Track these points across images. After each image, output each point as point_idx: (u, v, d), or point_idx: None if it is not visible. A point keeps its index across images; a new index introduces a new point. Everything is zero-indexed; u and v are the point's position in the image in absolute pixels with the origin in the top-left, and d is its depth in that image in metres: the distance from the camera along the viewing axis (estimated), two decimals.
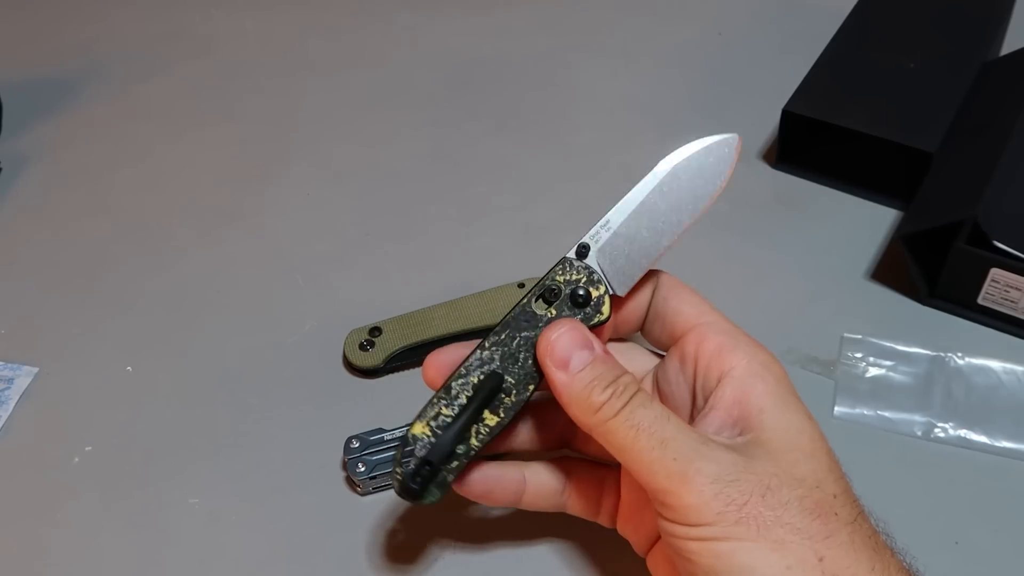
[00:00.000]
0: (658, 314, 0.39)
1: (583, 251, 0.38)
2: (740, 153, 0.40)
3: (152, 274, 0.61)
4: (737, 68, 0.75)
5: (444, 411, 0.37)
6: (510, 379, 0.37)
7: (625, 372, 0.35)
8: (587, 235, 0.39)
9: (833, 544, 0.31)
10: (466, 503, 0.47)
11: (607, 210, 0.39)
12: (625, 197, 0.39)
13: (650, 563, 0.39)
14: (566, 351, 0.35)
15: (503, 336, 0.37)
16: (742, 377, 0.35)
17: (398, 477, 0.37)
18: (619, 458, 0.34)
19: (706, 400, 0.36)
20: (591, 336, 0.36)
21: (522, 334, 0.37)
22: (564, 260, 0.38)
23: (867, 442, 0.49)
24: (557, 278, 0.38)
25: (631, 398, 0.33)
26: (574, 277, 0.38)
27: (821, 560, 0.30)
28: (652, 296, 0.40)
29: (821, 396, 0.51)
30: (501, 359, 0.37)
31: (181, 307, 0.59)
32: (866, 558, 0.31)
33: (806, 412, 0.35)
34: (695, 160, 0.39)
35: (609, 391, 0.34)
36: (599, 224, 0.39)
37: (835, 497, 0.32)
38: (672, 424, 0.33)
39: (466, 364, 0.37)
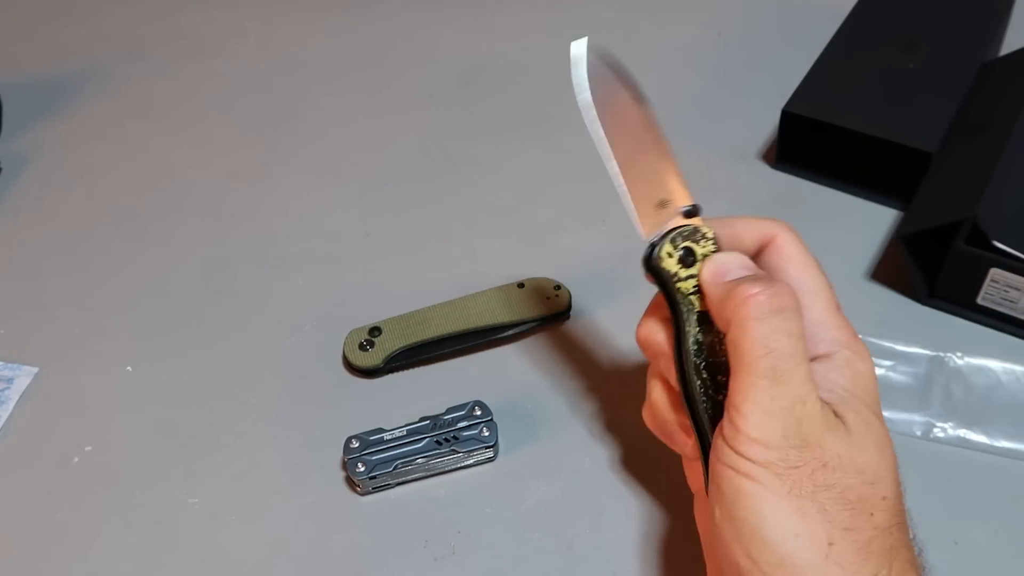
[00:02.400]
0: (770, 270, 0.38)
1: (693, 211, 0.38)
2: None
3: (152, 274, 0.61)
4: (736, 68, 0.75)
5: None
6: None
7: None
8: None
9: (849, 537, 0.31)
10: (468, 504, 0.47)
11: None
12: (604, 155, 0.38)
13: (696, 503, 0.39)
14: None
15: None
16: (848, 359, 0.35)
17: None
18: (734, 359, 0.33)
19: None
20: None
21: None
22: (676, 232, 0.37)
23: None
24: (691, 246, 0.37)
25: (781, 315, 0.33)
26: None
27: (831, 544, 0.31)
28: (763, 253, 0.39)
29: None
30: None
31: (181, 307, 0.59)
32: (874, 564, 0.31)
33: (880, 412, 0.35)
34: (583, 82, 0.39)
35: (761, 291, 0.33)
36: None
37: (883, 499, 0.32)
38: (800, 365, 0.32)
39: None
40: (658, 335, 0.38)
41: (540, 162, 0.68)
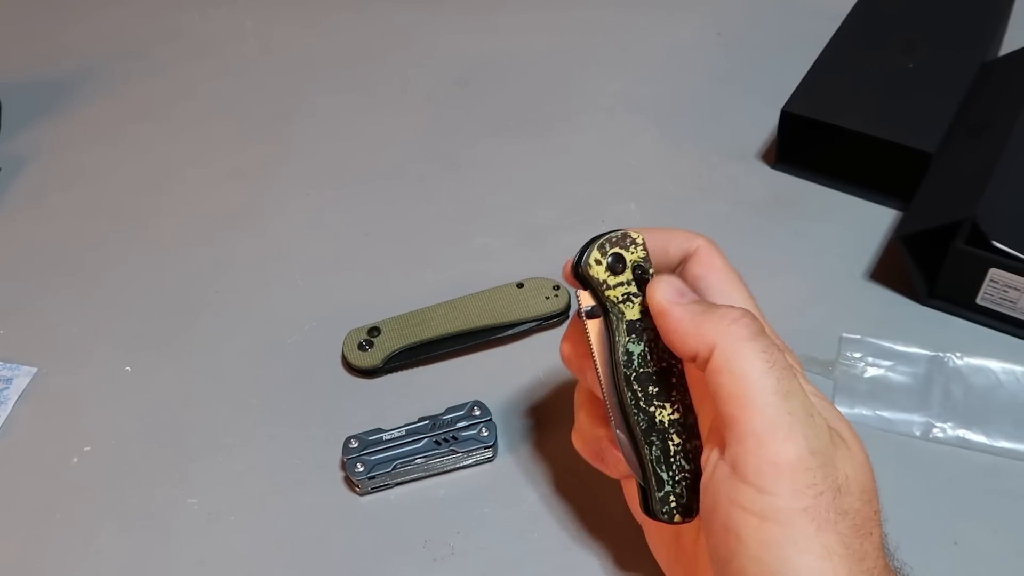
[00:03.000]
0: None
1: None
2: None
3: (151, 274, 0.61)
4: (736, 68, 0.75)
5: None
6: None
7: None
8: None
9: (862, 567, 0.29)
10: (467, 504, 0.47)
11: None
12: None
13: (647, 532, 0.38)
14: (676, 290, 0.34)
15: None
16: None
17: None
18: (730, 384, 0.31)
19: None
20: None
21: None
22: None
23: (866, 442, 0.48)
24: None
25: (764, 334, 0.32)
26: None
27: None
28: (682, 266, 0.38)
29: None
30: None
31: (180, 307, 0.59)
32: None
33: None
34: None
35: (743, 313, 0.32)
36: None
37: (875, 514, 0.31)
38: (798, 382, 0.31)
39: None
40: (583, 348, 0.36)
41: (540, 162, 0.68)
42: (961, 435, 0.48)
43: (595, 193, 0.64)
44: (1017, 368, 0.51)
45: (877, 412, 0.50)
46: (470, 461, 0.48)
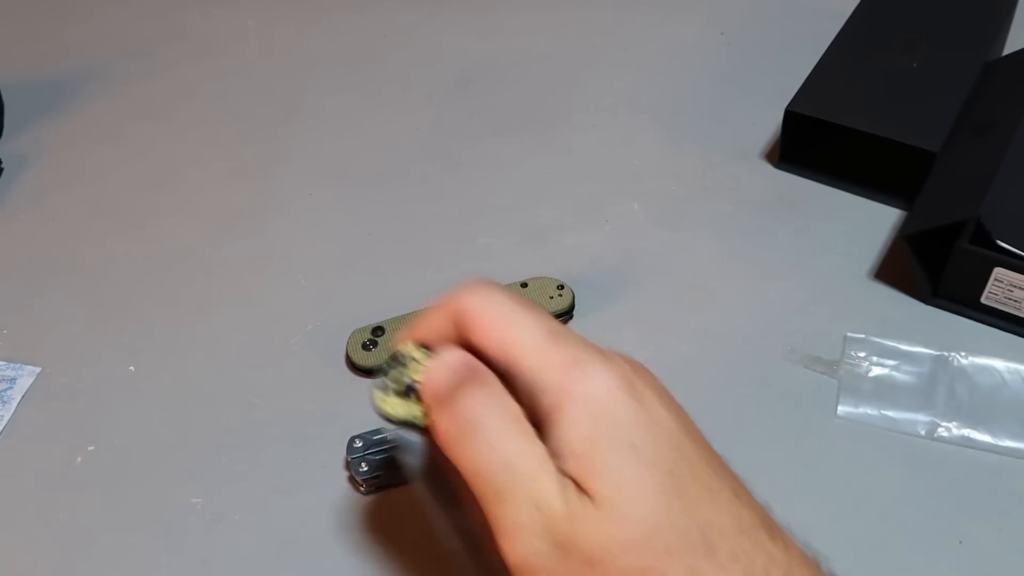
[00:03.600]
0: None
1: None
2: None
3: (154, 274, 0.61)
4: (739, 68, 0.75)
5: None
6: None
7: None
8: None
9: None
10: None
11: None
12: None
13: None
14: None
15: None
16: (573, 400, 0.29)
17: None
18: (465, 478, 0.29)
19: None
20: None
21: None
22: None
23: (871, 442, 0.49)
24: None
25: (494, 397, 0.29)
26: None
27: None
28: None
29: (824, 396, 0.51)
30: None
31: (183, 307, 0.59)
32: None
33: None
34: None
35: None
36: None
37: (658, 569, 0.27)
38: (528, 454, 0.28)
39: None
40: None
41: (543, 162, 0.67)
42: (966, 435, 0.48)
43: (598, 193, 0.64)
44: (1022, 367, 0.51)
45: (882, 412, 0.50)
46: None
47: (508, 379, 0.30)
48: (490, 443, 0.28)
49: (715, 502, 0.28)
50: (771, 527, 0.29)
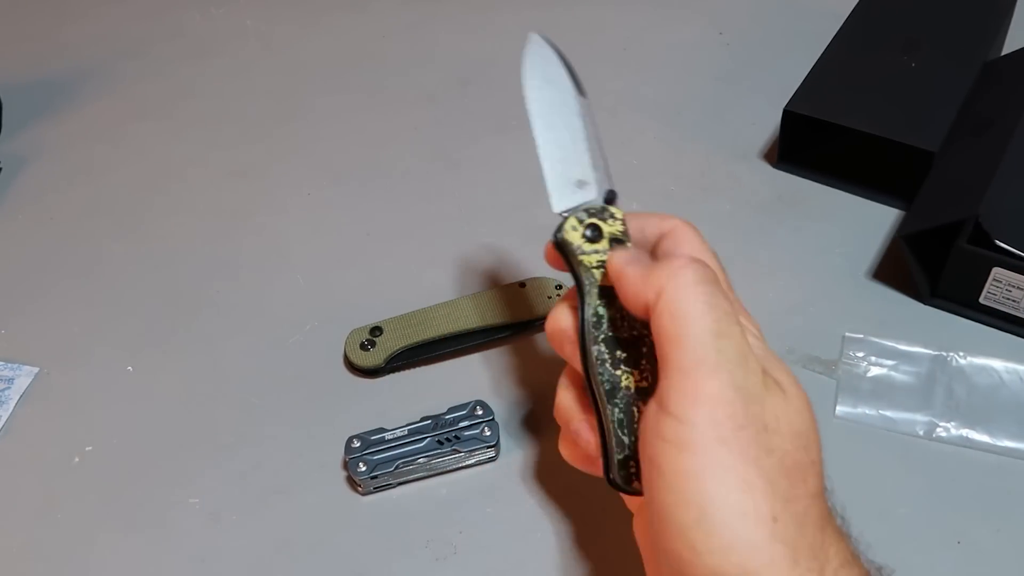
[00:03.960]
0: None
1: (610, 196, 0.38)
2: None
3: (152, 273, 0.61)
4: (738, 67, 0.75)
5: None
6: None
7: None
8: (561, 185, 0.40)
9: (789, 509, 0.29)
10: (469, 504, 0.47)
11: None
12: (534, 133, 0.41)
13: (635, 523, 0.38)
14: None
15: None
16: (752, 332, 0.34)
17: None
18: (670, 325, 0.31)
19: None
20: None
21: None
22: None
23: (869, 442, 0.49)
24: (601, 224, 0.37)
25: (714, 282, 0.32)
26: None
27: (775, 520, 0.29)
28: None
29: (823, 396, 0.50)
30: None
31: (181, 307, 0.59)
32: (812, 534, 0.30)
33: None
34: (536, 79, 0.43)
35: (691, 259, 0.33)
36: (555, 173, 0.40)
37: (813, 464, 0.31)
38: (739, 328, 0.31)
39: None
40: (564, 321, 0.37)
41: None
42: (964, 435, 0.48)
43: None
44: (1020, 367, 0.51)
45: (880, 412, 0.50)
46: (472, 461, 0.48)
47: None
48: (724, 294, 0.32)
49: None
50: None
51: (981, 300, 0.53)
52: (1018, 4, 0.72)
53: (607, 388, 0.35)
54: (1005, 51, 0.71)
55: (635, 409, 0.35)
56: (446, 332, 0.53)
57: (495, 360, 0.54)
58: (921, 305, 0.55)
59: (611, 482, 0.36)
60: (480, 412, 0.49)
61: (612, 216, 0.37)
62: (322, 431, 0.51)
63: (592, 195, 0.38)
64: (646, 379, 0.36)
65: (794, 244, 0.60)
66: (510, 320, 0.54)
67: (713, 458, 0.29)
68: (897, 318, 0.55)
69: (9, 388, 0.54)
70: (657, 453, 0.30)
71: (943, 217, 0.53)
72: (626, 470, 0.35)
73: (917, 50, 0.65)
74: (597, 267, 0.37)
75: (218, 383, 0.54)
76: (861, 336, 0.53)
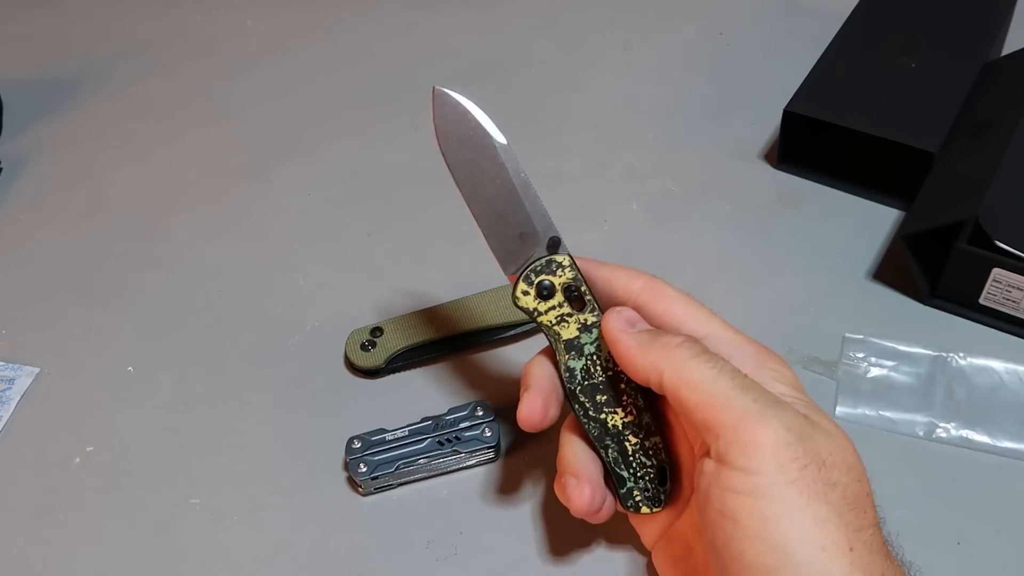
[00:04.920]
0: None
1: (553, 243, 0.40)
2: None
3: (153, 274, 0.61)
4: (738, 68, 0.75)
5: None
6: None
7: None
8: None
9: (860, 539, 0.30)
10: (470, 505, 0.47)
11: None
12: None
13: (655, 558, 0.39)
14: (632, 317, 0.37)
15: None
16: (776, 370, 0.36)
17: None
18: (691, 395, 0.33)
19: None
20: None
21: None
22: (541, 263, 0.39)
23: (869, 442, 0.49)
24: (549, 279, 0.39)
25: (707, 352, 0.34)
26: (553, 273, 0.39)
27: (851, 550, 0.30)
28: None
29: (823, 396, 0.51)
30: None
31: (182, 307, 0.59)
32: (880, 561, 0.31)
33: None
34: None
35: (685, 338, 0.35)
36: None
37: (868, 495, 0.32)
38: (750, 379, 0.33)
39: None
40: (538, 369, 0.39)
41: (541, 162, 0.67)
42: (964, 435, 0.48)
43: (597, 193, 0.64)
44: (1020, 368, 0.51)
45: (880, 412, 0.50)
46: (473, 461, 0.48)
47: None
48: (724, 360, 0.34)
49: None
50: None
51: (981, 301, 0.53)
52: (1018, 4, 0.72)
53: (595, 434, 0.38)
54: (1005, 51, 0.71)
55: (627, 443, 0.38)
56: (447, 333, 0.53)
57: (495, 360, 0.54)
58: (921, 306, 0.55)
59: (624, 508, 0.38)
60: (480, 413, 0.49)
61: (560, 266, 0.39)
62: (322, 432, 0.51)
63: (537, 245, 0.40)
64: (630, 412, 0.38)
65: (794, 245, 0.60)
66: (511, 321, 0.54)
67: (787, 500, 0.30)
68: (897, 319, 0.55)
69: (10, 388, 0.54)
70: (729, 506, 0.31)
71: (943, 218, 0.53)
72: (631, 499, 0.38)
73: (917, 50, 0.65)
74: (558, 323, 0.38)
75: (218, 383, 0.54)
76: (861, 337, 0.53)
